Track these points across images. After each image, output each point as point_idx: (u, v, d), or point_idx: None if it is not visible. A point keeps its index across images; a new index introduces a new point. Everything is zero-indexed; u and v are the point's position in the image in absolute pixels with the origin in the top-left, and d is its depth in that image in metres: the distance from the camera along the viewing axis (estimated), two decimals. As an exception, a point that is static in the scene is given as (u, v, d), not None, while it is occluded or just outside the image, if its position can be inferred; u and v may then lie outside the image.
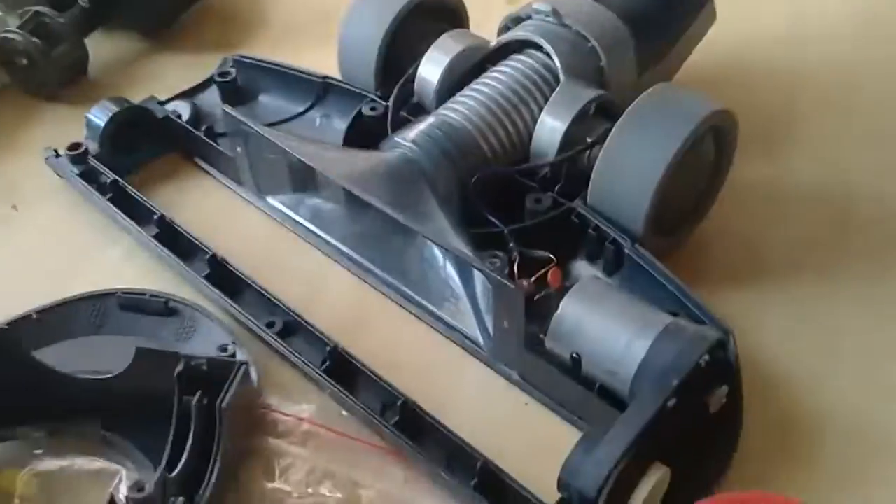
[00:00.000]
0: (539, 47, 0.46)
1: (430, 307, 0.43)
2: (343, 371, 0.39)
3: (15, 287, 0.45)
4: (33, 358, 0.38)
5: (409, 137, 0.44)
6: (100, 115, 0.51)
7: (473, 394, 0.40)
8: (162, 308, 0.42)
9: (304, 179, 0.48)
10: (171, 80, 0.56)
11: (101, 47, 0.60)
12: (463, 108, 0.45)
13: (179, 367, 0.36)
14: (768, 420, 0.38)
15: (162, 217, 0.46)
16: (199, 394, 0.35)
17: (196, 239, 0.45)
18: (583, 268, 0.43)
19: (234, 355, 0.39)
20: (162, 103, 0.53)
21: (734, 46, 0.58)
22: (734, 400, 0.36)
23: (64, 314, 0.42)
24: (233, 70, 0.55)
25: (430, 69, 0.47)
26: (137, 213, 0.48)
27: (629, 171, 0.40)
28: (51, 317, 0.42)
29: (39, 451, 0.38)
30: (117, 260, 0.47)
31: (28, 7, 0.57)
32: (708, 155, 0.43)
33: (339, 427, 0.38)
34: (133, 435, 0.37)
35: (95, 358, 0.40)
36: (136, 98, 0.53)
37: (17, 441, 0.38)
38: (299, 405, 0.39)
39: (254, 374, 0.39)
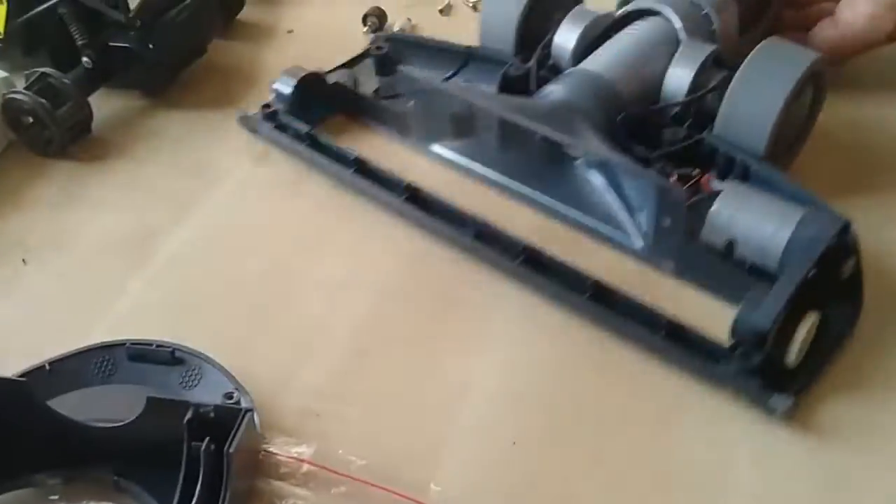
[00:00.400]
0: (659, 13, 0.56)
1: (591, 222, 0.53)
2: (537, 263, 0.49)
3: (33, 336, 0.47)
4: (48, 407, 0.39)
5: (559, 86, 0.53)
6: (286, 83, 0.60)
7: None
8: (168, 358, 0.44)
9: (468, 125, 0.57)
10: (174, 135, 0.60)
11: (104, 105, 0.61)
12: (601, 62, 0.54)
13: (189, 415, 0.37)
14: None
15: (357, 157, 0.56)
16: (207, 440, 0.37)
17: (390, 172, 0.55)
18: (716, 184, 0.52)
19: (238, 402, 0.40)
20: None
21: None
22: (858, 269, 0.46)
23: (76, 365, 0.43)
24: (385, 45, 0.64)
25: (566, 35, 0.57)
26: (333, 155, 0.57)
27: (753, 108, 0.50)
28: (63, 367, 0.43)
29: (55, 498, 0.39)
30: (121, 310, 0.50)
31: (34, 69, 0.58)
32: (808, 94, 0.53)
33: (338, 468, 0.40)
34: (144, 480, 0.39)
35: (107, 406, 0.41)
36: (142, 151, 0.59)
37: (32, 488, 0.40)
38: (299, 447, 0.41)
39: (257, 419, 0.40)
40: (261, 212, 0.55)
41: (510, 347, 0.47)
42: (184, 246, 0.53)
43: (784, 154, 0.54)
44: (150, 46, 0.61)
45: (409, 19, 0.72)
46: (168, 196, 0.57)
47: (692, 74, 0.53)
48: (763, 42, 0.52)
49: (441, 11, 0.74)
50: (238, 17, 0.71)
